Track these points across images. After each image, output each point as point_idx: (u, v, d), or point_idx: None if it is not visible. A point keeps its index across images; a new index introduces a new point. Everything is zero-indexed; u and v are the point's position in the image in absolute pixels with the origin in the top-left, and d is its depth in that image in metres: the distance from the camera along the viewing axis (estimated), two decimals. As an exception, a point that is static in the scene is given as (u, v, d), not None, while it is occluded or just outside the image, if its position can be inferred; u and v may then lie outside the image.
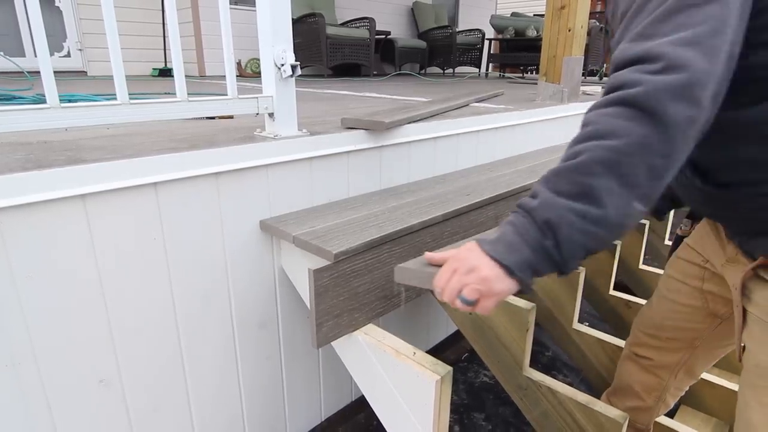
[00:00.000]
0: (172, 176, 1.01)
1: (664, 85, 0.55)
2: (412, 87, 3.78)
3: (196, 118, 1.53)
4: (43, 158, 0.95)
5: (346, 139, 1.34)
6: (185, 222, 1.07)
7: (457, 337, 2.12)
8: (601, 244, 0.61)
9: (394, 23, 6.54)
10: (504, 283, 0.63)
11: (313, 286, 1.01)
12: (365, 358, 1.08)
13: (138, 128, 1.36)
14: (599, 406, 1.14)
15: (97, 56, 4.54)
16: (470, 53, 6.59)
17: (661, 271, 1.20)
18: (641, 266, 2.05)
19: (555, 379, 1.24)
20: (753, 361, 0.86)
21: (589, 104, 0.64)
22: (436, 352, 2.02)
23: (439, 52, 6.32)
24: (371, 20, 5.11)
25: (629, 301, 1.80)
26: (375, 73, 5.53)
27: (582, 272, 1.46)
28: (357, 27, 5.19)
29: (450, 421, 1.13)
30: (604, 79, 5.52)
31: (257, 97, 1.19)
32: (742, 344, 0.89)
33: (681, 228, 1.23)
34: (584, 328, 1.58)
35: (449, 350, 2.11)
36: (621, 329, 1.79)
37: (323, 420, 1.61)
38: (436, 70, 6.57)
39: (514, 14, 6.97)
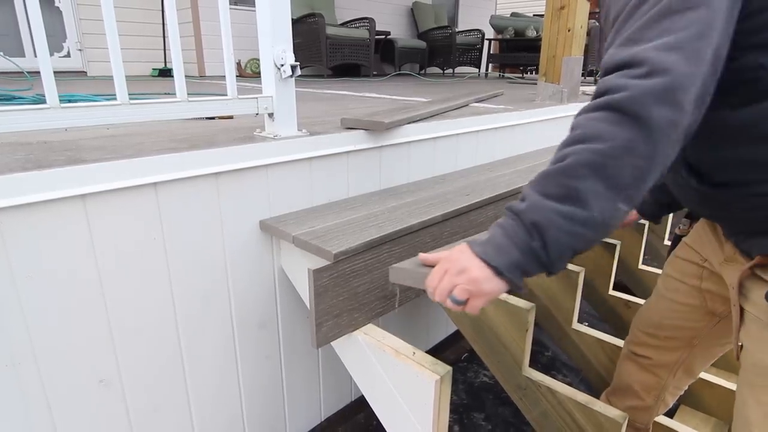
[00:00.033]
0: (172, 176, 1.02)
1: (648, 89, 0.56)
2: (411, 87, 3.78)
3: (196, 119, 1.53)
4: (43, 158, 0.95)
5: (345, 140, 1.34)
6: (185, 222, 1.07)
7: (456, 337, 2.13)
8: (587, 245, 0.63)
9: (393, 23, 6.54)
10: (493, 284, 0.65)
11: (313, 286, 1.01)
12: (365, 358, 1.08)
13: (138, 128, 1.37)
14: (598, 405, 1.14)
15: (97, 56, 4.54)
16: (470, 53, 6.60)
17: (660, 271, 1.20)
18: (641, 266, 2.06)
19: (554, 379, 1.24)
20: (750, 360, 0.86)
21: (588, 104, 0.65)
22: (435, 352, 2.02)
23: (438, 52, 6.32)
24: (371, 20, 5.11)
25: (629, 301, 1.81)
26: (375, 73, 5.52)
27: (581, 272, 1.46)
28: (357, 27, 5.19)
29: (450, 421, 1.13)
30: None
31: (257, 98, 1.19)
32: (740, 343, 0.90)
33: (680, 227, 1.23)
34: (584, 328, 1.58)
35: (449, 350, 2.11)
36: (620, 329, 1.79)
37: (323, 420, 1.62)
38: (436, 70, 6.57)
39: (513, 14, 6.96)
